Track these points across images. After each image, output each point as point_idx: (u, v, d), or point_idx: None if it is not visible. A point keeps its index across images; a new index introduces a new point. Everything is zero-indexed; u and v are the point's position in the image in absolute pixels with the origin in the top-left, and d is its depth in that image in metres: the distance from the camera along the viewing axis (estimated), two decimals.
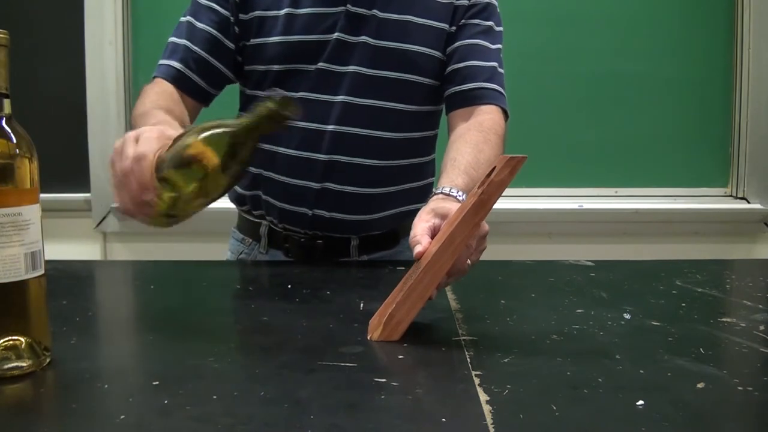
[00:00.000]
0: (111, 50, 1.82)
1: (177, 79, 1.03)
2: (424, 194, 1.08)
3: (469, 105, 1.04)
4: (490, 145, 0.97)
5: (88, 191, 1.86)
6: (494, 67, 1.06)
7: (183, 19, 1.07)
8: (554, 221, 1.85)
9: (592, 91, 1.86)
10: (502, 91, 1.06)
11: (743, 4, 1.84)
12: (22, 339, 0.54)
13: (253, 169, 1.08)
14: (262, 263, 1.10)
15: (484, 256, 1.07)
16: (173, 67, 1.03)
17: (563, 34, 1.84)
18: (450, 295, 0.82)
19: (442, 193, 0.84)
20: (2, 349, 0.53)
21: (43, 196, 0.57)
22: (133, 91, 1.87)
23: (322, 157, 1.01)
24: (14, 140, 0.54)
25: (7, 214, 0.53)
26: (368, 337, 0.64)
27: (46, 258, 0.57)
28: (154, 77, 1.04)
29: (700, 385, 0.52)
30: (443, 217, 0.74)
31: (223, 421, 0.45)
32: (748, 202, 1.88)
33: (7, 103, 0.55)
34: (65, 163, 1.84)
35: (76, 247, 1.91)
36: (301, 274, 0.98)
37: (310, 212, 1.04)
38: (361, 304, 0.77)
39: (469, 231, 0.64)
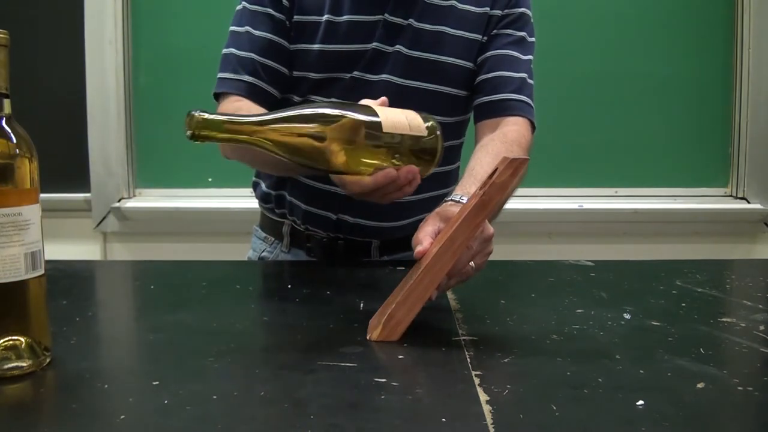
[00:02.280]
0: (111, 50, 1.82)
1: (252, 93, 1.00)
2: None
3: (497, 116, 1.03)
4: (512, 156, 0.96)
5: (88, 191, 1.86)
6: (523, 78, 1.05)
7: (238, 29, 1.03)
8: (554, 221, 1.85)
9: (591, 90, 1.86)
10: (530, 102, 1.05)
11: (743, 4, 1.84)
12: (22, 339, 0.54)
13: None
14: (262, 263, 1.10)
15: None
16: (245, 81, 1.00)
17: (563, 34, 1.84)
18: (450, 295, 0.82)
19: (452, 200, 0.83)
20: (2, 349, 0.53)
21: (43, 196, 0.57)
22: (133, 91, 1.87)
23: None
24: (14, 140, 0.54)
25: (7, 214, 0.53)
26: (367, 337, 0.64)
27: (46, 258, 0.57)
28: (221, 93, 1.01)
29: (700, 385, 0.52)
30: (447, 220, 0.74)
31: (223, 421, 0.45)
32: (748, 202, 1.88)
33: (7, 103, 0.55)
34: (65, 163, 1.84)
35: (76, 247, 1.91)
36: (301, 274, 0.98)
37: (334, 216, 1.05)
38: (361, 304, 0.77)
39: (469, 232, 0.64)
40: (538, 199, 1.84)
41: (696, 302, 0.80)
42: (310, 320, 0.71)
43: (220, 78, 1.03)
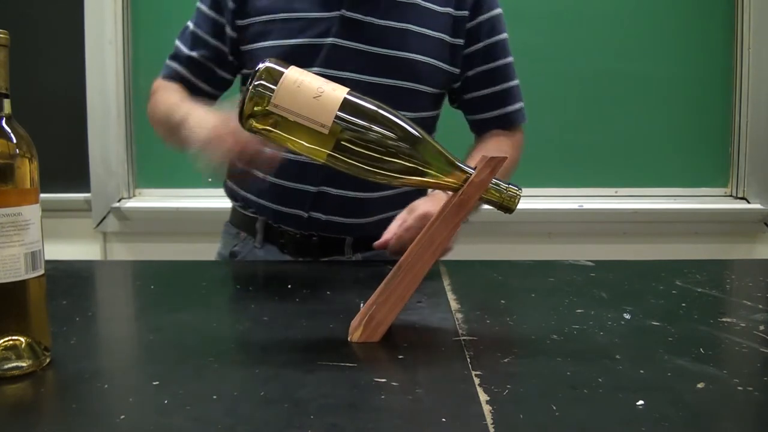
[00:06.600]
0: (111, 50, 1.82)
1: (184, 83, 1.08)
2: (420, 196, 1.09)
3: (509, 128, 1.13)
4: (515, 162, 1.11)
5: (88, 191, 1.86)
6: (518, 83, 1.13)
7: (189, 25, 1.09)
8: (554, 221, 1.85)
9: (591, 91, 1.86)
10: (523, 105, 1.14)
11: (743, 4, 1.84)
12: (22, 339, 0.54)
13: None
14: (262, 263, 1.10)
15: (484, 256, 1.07)
16: (180, 73, 1.08)
17: (563, 34, 1.84)
18: (450, 295, 0.82)
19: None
20: (2, 349, 0.53)
21: (43, 196, 0.57)
22: (133, 91, 1.87)
23: (319, 160, 1.01)
24: (14, 140, 0.54)
25: (7, 214, 0.53)
26: (348, 339, 0.64)
27: (46, 258, 0.57)
28: (163, 76, 1.09)
29: (700, 385, 0.52)
30: (412, 211, 0.84)
31: (223, 421, 0.45)
32: (748, 202, 1.88)
33: (7, 103, 0.55)
34: (65, 163, 1.84)
35: (76, 247, 1.91)
36: (300, 273, 0.98)
37: (306, 214, 1.05)
38: (361, 304, 0.76)
39: (449, 231, 0.63)
40: (538, 199, 1.84)
41: (696, 302, 0.80)
42: (310, 320, 0.71)
43: (166, 63, 1.10)
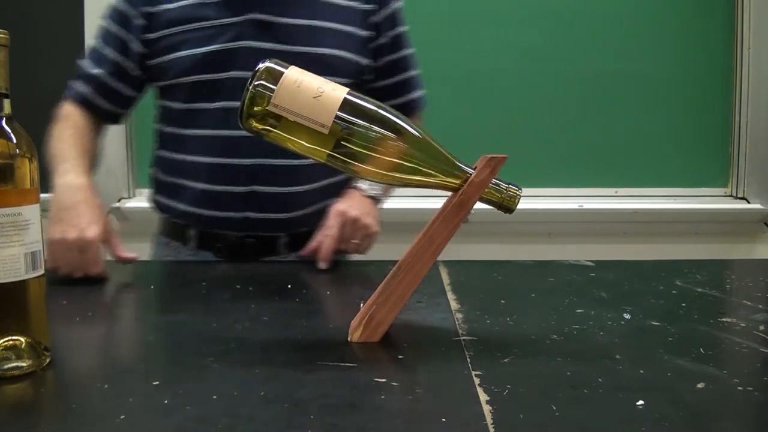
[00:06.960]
0: None
1: (87, 106, 1.10)
2: (348, 185, 1.13)
3: (411, 114, 1.19)
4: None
5: None
6: (419, 73, 1.20)
7: (93, 42, 1.12)
8: (554, 221, 1.85)
9: (591, 91, 1.86)
10: (423, 92, 1.21)
11: (743, 4, 1.84)
12: (22, 339, 0.54)
13: (167, 178, 1.12)
14: (263, 263, 1.10)
15: (484, 256, 1.07)
16: (82, 93, 1.10)
17: (563, 34, 1.84)
18: (450, 295, 0.82)
19: (352, 187, 1.05)
20: (2, 349, 0.53)
21: (43, 196, 0.57)
22: None
23: (246, 162, 1.04)
24: (14, 140, 0.54)
25: (7, 214, 0.53)
26: (348, 339, 0.64)
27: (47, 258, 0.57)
28: (69, 99, 1.12)
29: (700, 385, 0.52)
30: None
31: (223, 421, 0.45)
32: (748, 202, 1.88)
33: (7, 103, 0.55)
34: None
35: None
36: (301, 274, 0.98)
37: (238, 215, 1.06)
38: (361, 304, 0.77)
39: (449, 231, 0.63)
40: (538, 199, 1.84)
41: (696, 302, 0.80)
42: (310, 320, 0.71)
43: (70, 85, 1.12)
